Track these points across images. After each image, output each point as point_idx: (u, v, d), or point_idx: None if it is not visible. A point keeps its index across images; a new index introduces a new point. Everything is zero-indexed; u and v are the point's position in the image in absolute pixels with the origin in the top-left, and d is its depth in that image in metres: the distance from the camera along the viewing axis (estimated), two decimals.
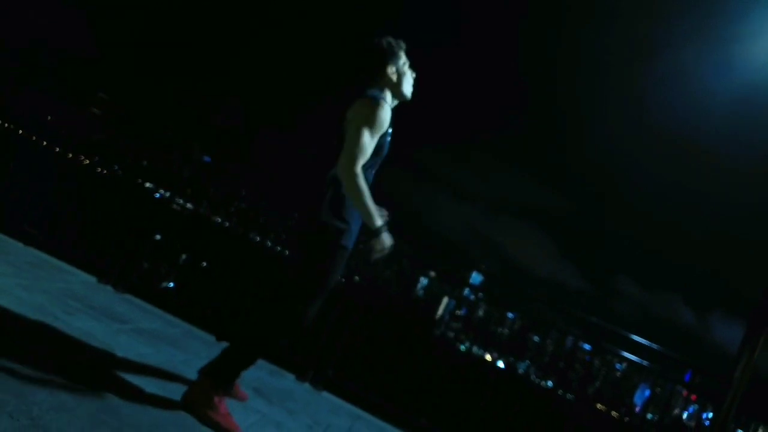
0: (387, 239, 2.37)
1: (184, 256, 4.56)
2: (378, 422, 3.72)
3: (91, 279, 3.87)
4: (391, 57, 2.50)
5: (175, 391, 2.47)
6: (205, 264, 4.46)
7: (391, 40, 2.52)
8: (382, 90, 2.50)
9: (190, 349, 3.27)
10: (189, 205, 4.57)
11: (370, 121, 2.33)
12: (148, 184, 4.60)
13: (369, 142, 2.33)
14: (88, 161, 4.65)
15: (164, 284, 4.38)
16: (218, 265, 4.36)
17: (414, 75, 2.60)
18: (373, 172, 2.54)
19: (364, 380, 4.02)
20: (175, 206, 4.48)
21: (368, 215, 2.32)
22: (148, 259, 4.19)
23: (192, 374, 2.81)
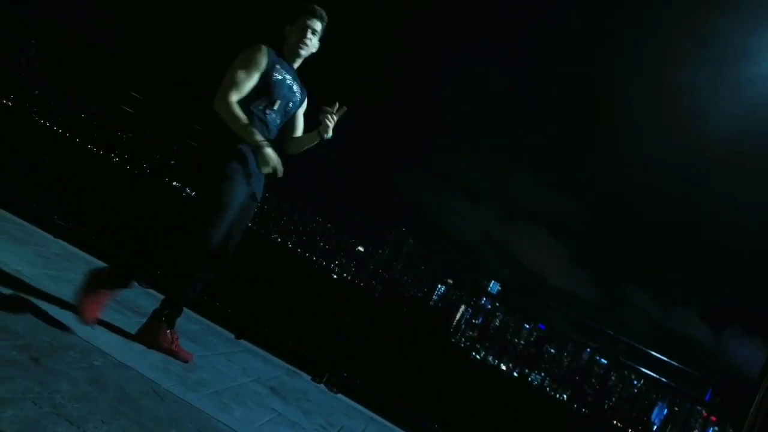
0: (271, 153, 2.62)
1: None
2: (391, 426, 3.74)
3: None
4: (295, 17, 2.80)
5: (193, 386, 2.52)
6: None
7: (306, 5, 2.81)
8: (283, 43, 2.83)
9: (209, 346, 3.32)
10: None
11: (241, 60, 2.65)
12: (175, 183, 4.67)
13: (241, 77, 2.62)
14: (117, 159, 4.75)
15: None
16: (239, 264, 4.42)
17: (311, 42, 2.83)
18: (278, 118, 2.82)
19: (378, 383, 4.04)
20: None
21: (246, 134, 2.59)
22: None
23: (209, 370, 2.86)
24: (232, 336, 3.84)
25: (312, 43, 2.84)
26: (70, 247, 4.06)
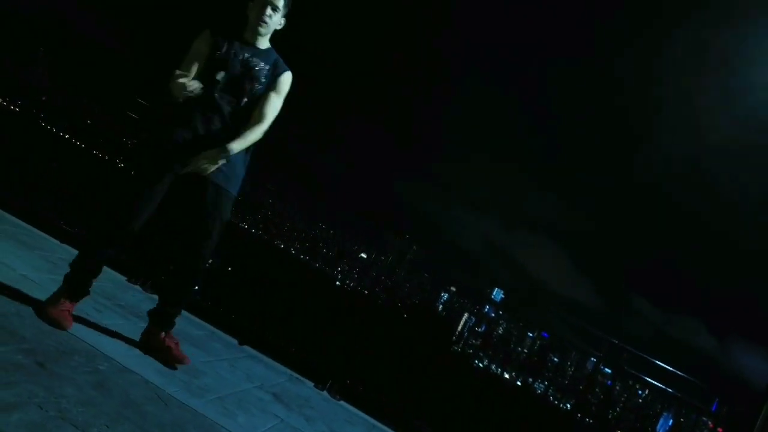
0: (181, 79, 2.57)
1: (210, 261, 4.64)
2: None
3: (121, 278, 3.97)
4: None
5: (196, 392, 2.53)
6: (230, 269, 4.55)
7: None
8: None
9: (212, 351, 3.33)
10: None
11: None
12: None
13: (182, 66, 2.67)
14: (123, 165, 4.78)
15: None
16: (243, 270, 4.45)
17: (271, 19, 2.72)
18: (227, 95, 2.69)
19: (381, 390, 4.03)
20: None
21: (174, 85, 2.57)
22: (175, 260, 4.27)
23: (213, 376, 2.87)
24: (236, 341, 3.84)
25: (273, 20, 2.72)
26: (76, 252, 4.08)
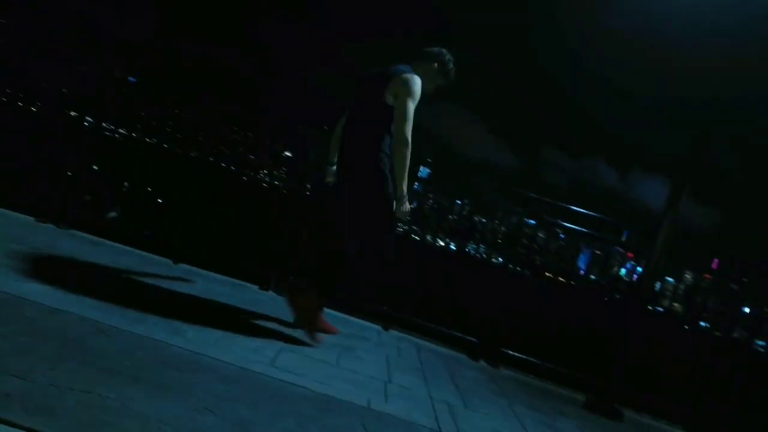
0: (407, 206, 2.81)
1: (126, 184, 4.41)
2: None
3: (30, 219, 3.74)
4: (443, 68, 3.14)
5: (137, 319, 2.50)
6: (150, 189, 4.35)
7: (452, 70, 3.16)
8: (415, 71, 2.93)
9: (147, 273, 3.26)
10: (121, 130, 4.33)
11: (413, 93, 2.78)
12: (72, 113, 4.30)
13: (412, 113, 2.76)
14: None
15: (109, 214, 4.26)
16: (160, 189, 4.26)
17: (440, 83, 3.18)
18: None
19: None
20: (106, 133, 4.24)
21: (402, 178, 2.73)
22: (89, 191, 4.03)
23: (152, 294, 2.83)
24: (170, 261, 3.78)
25: None
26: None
